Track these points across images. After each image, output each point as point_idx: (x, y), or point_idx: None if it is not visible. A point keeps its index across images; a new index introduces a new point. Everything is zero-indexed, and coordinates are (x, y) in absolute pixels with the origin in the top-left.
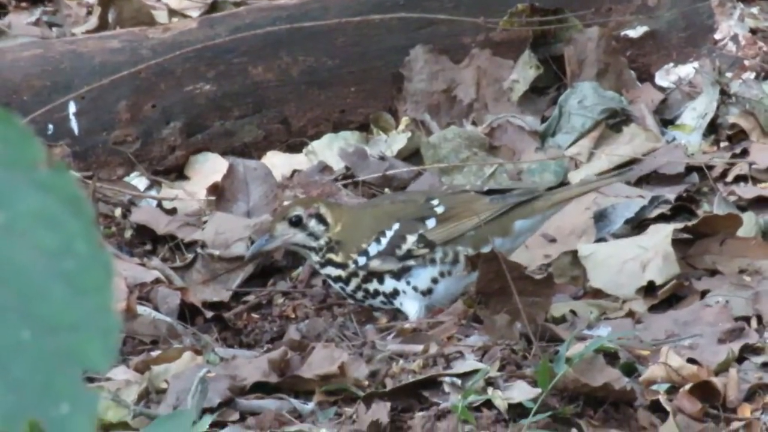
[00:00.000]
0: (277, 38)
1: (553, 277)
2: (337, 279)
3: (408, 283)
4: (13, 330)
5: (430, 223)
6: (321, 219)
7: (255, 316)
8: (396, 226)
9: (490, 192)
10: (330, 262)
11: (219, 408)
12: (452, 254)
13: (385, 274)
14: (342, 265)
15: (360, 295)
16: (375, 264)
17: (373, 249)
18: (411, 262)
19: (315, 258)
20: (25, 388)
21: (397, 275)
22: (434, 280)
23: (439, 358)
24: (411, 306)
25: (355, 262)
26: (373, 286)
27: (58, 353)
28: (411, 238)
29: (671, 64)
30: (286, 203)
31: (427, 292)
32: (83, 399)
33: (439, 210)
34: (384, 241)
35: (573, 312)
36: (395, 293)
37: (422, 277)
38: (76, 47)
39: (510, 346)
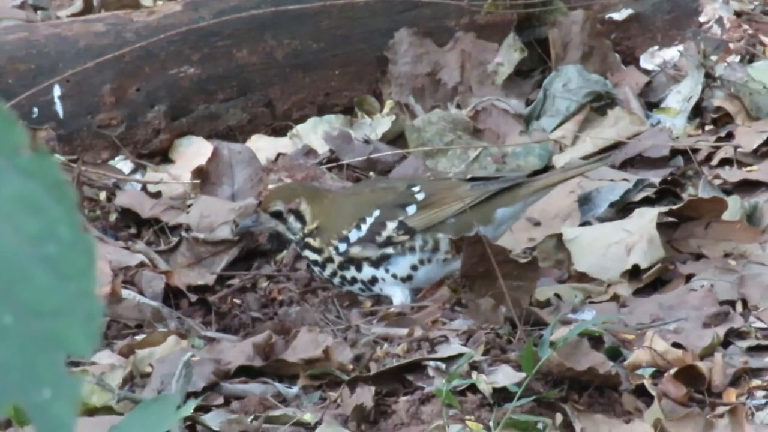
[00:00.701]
0: (262, 21)
1: (537, 261)
2: (314, 263)
3: (387, 270)
4: None
5: (411, 209)
6: (299, 216)
7: (237, 300)
8: (376, 212)
9: (472, 179)
10: (307, 246)
11: (203, 392)
12: (432, 241)
13: (363, 261)
14: (318, 250)
15: (337, 280)
16: (355, 251)
17: (354, 235)
18: (390, 250)
19: (293, 245)
20: (7, 373)
21: (376, 263)
22: (414, 267)
23: (424, 342)
24: (394, 291)
25: (336, 248)
26: (350, 273)
27: (41, 338)
28: (391, 225)
29: (656, 47)
30: (271, 187)
31: (407, 279)
32: (65, 384)
33: (420, 197)
34: (364, 227)
35: (557, 296)
36: (374, 281)
37: (401, 265)
38: (61, 30)
39: (494, 330)
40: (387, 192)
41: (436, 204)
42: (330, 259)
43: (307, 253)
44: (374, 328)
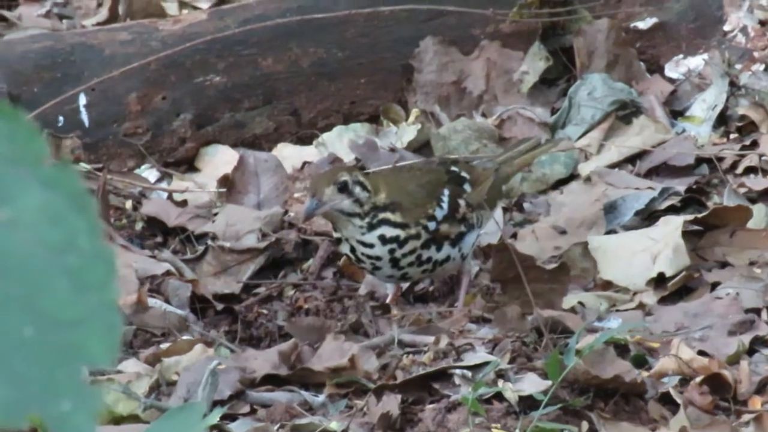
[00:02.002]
0: (287, 30)
1: (567, 265)
2: (392, 240)
3: (459, 249)
4: (16, 325)
5: (467, 187)
6: (363, 186)
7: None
8: (446, 190)
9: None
10: (386, 222)
11: (230, 400)
12: (479, 218)
13: (444, 240)
14: (402, 225)
15: (405, 261)
16: (444, 228)
17: (439, 213)
18: (463, 228)
19: (359, 223)
20: (27, 384)
21: (453, 242)
22: (473, 245)
23: (450, 350)
24: (466, 269)
25: (425, 227)
26: (428, 253)
27: (61, 349)
28: (461, 202)
29: (681, 56)
30: (300, 194)
31: (465, 257)
32: (85, 395)
33: (465, 175)
34: (444, 205)
35: (582, 304)
36: (447, 260)
37: (467, 242)
38: (87, 39)
39: (521, 338)
40: (439, 172)
41: (477, 182)
42: (416, 236)
43: (382, 230)
44: (402, 335)
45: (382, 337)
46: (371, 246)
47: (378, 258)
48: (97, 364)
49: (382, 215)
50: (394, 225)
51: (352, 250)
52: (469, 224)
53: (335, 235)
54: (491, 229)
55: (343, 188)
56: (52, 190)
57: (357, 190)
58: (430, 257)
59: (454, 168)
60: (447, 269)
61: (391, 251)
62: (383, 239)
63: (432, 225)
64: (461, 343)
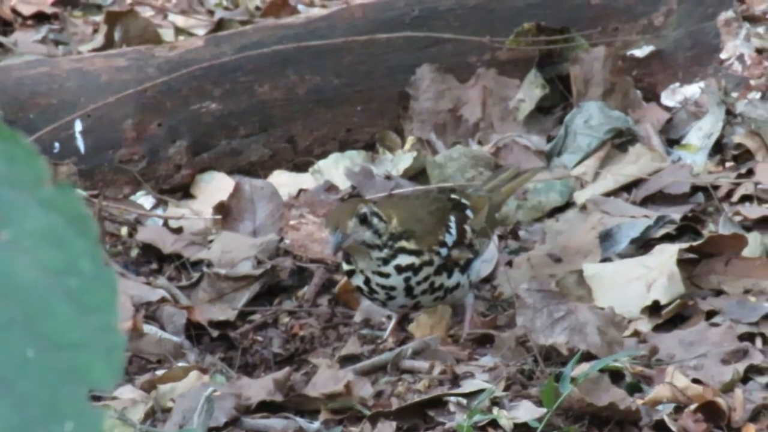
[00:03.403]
0: (284, 57)
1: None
2: (407, 268)
3: (468, 276)
4: (18, 347)
5: (469, 213)
6: (379, 216)
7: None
8: (452, 217)
9: (453, 190)
10: (402, 251)
11: (225, 427)
12: (481, 244)
13: (454, 266)
14: (417, 252)
15: (419, 289)
16: (455, 253)
17: (449, 239)
18: (470, 254)
19: (378, 255)
20: (30, 406)
21: (462, 268)
22: (478, 271)
23: (446, 377)
24: (467, 297)
25: (438, 253)
26: (440, 279)
27: (63, 371)
28: (468, 229)
29: (677, 84)
30: (295, 221)
31: (472, 284)
32: (88, 417)
33: (465, 202)
34: (453, 231)
35: None
36: (456, 287)
37: (474, 268)
38: (83, 65)
39: (521, 365)
40: (441, 199)
41: (476, 208)
42: (429, 262)
43: (399, 260)
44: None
45: (378, 357)
46: (387, 276)
47: (393, 288)
48: (99, 386)
49: (399, 244)
50: (410, 252)
51: (366, 281)
52: (474, 250)
53: (346, 267)
54: (488, 256)
55: (364, 220)
56: (52, 213)
57: (375, 221)
58: (441, 284)
59: (454, 195)
60: (456, 297)
61: (407, 279)
62: (399, 268)
63: (444, 251)
64: (462, 371)
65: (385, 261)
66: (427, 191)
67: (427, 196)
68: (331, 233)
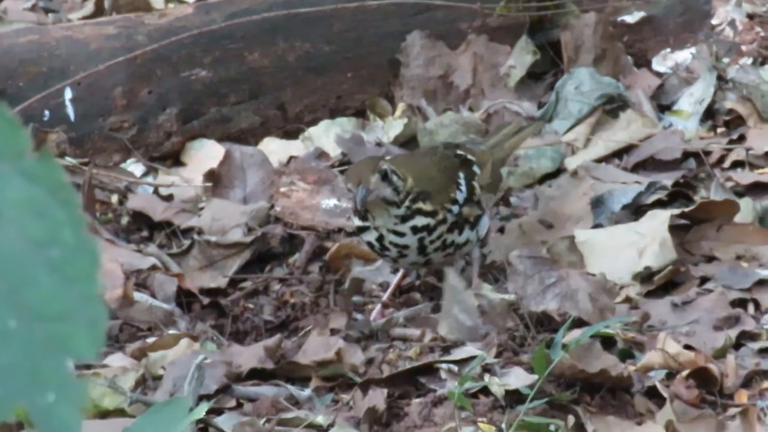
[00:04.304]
0: (274, 24)
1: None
2: (423, 229)
3: (477, 232)
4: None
5: (477, 169)
6: (397, 174)
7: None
8: (461, 174)
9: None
10: (419, 212)
11: (216, 395)
12: (485, 201)
13: (465, 223)
14: (432, 213)
15: (432, 247)
16: (466, 211)
17: (460, 197)
18: (479, 211)
19: (397, 212)
20: (11, 377)
21: (473, 225)
22: (486, 227)
23: (437, 344)
24: (476, 253)
25: (450, 210)
26: (452, 237)
27: (45, 342)
28: (476, 185)
29: (668, 50)
30: (286, 189)
31: (480, 240)
32: (70, 388)
33: (471, 158)
34: (463, 188)
35: None
36: (466, 243)
37: (482, 225)
38: (72, 33)
39: (512, 332)
40: (449, 156)
41: (481, 164)
42: (443, 221)
43: (416, 220)
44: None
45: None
46: (402, 235)
47: (405, 246)
48: (81, 357)
49: (416, 205)
50: (426, 214)
51: (379, 238)
52: (481, 206)
53: (359, 223)
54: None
55: (385, 176)
56: (34, 183)
57: (395, 178)
58: (453, 241)
59: (459, 152)
60: (464, 252)
61: (421, 239)
62: (415, 229)
63: (455, 209)
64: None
65: (403, 219)
66: (433, 148)
67: (435, 153)
68: (354, 189)
